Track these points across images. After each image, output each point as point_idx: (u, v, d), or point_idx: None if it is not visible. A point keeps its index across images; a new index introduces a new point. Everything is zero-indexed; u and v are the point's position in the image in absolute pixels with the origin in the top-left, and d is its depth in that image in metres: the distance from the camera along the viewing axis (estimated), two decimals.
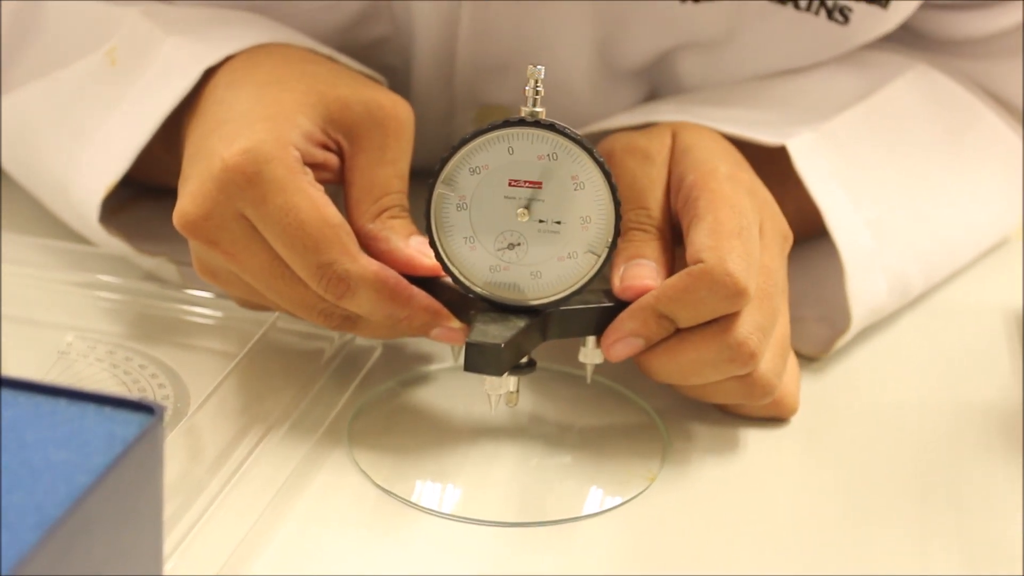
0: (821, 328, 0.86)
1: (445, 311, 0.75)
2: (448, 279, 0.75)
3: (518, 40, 0.90)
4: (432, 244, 0.74)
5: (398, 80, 0.94)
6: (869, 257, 0.85)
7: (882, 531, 0.72)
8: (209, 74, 0.82)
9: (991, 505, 0.74)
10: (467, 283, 0.74)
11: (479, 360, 0.71)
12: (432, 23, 0.91)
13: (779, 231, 0.78)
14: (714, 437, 0.78)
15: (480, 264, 0.74)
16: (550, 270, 0.73)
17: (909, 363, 0.87)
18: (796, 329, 0.82)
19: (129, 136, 0.83)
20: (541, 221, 0.73)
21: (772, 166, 0.84)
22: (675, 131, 0.81)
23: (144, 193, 0.93)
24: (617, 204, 0.72)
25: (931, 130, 0.93)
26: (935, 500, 0.75)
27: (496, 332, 0.72)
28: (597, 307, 0.75)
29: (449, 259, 0.74)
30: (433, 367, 0.83)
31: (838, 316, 0.86)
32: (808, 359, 0.85)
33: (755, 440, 0.78)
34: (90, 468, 0.54)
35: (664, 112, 0.87)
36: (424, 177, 0.74)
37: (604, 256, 0.73)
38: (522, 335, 0.73)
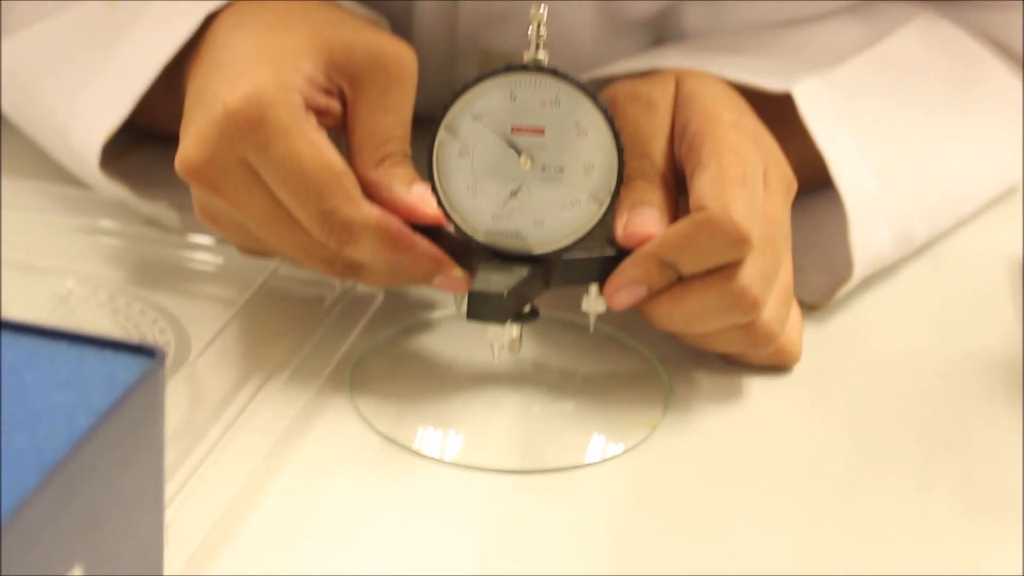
0: (822, 277, 0.86)
1: (448, 259, 0.75)
2: (450, 227, 0.74)
3: None
4: (434, 192, 0.73)
5: (400, 28, 0.93)
6: (873, 204, 0.85)
7: (885, 477, 0.72)
8: (211, 17, 0.81)
9: (993, 451, 0.74)
10: (469, 231, 0.74)
11: (482, 309, 0.71)
12: None
13: (783, 179, 0.78)
14: (716, 385, 0.78)
15: (482, 212, 0.73)
16: (553, 218, 0.73)
17: (911, 310, 0.87)
18: (797, 278, 0.82)
19: (129, 81, 0.83)
20: (544, 168, 0.72)
21: (776, 114, 0.83)
22: (679, 78, 0.80)
23: (145, 138, 0.92)
24: (620, 151, 0.72)
25: (937, 79, 0.92)
26: (938, 446, 0.75)
27: (499, 281, 0.72)
28: (600, 255, 0.75)
29: (451, 207, 0.73)
30: (435, 314, 0.83)
31: (840, 265, 0.85)
32: (809, 308, 0.85)
33: (757, 388, 0.78)
34: (90, 410, 0.54)
35: (668, 58, 0.87)
36: (426, 124, 0.73)
37: (607, 203, 0.72)
38: (525, 284, 0.72)
